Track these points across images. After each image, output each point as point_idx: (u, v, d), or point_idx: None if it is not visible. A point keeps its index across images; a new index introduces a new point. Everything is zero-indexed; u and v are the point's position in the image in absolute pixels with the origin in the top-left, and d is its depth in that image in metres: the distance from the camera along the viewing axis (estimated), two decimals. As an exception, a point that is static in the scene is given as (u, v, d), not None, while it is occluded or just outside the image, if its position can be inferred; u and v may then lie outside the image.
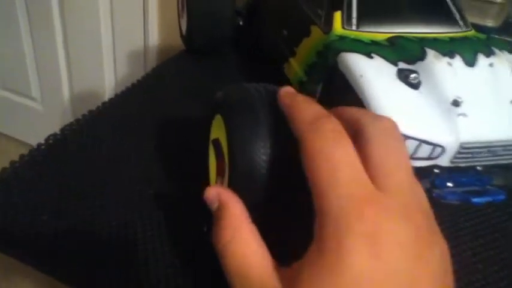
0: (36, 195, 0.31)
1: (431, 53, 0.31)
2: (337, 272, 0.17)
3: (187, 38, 0.51)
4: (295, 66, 0.40)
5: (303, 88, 0.39)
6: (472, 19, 0.37)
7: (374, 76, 0.29)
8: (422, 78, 0.29)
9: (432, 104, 0.28)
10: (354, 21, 0.35)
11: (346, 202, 0.18)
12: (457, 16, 0.36)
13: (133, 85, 0.46)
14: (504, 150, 0.29)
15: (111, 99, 0.44)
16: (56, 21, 1.35)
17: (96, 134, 0.38)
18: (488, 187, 0.30)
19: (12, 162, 0.34)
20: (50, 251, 0.27)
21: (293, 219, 0.23)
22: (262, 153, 0.22)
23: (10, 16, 1.41)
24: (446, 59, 0.30)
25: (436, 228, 0.19)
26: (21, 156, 0.35)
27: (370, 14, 0.35)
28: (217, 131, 0.27)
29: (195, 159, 0.30)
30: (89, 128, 0.40)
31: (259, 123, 0.23)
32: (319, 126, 0.20)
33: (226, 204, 0.22)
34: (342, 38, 0.34)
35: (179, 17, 0.54)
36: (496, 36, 0.44)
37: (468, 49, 0.32)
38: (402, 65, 0.30)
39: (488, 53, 0.32)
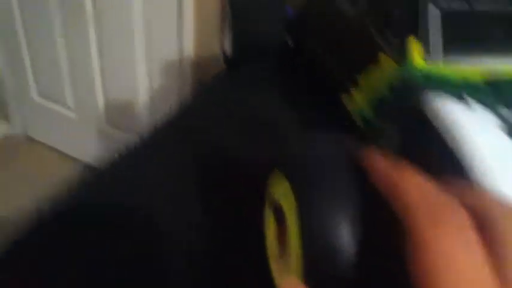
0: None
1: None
2: None
3: (231, 58, 0.46)
4: (358, 99, 0.35)
5: (368, 126, 0.33)
6: None
7: (473, 128, 0.23)
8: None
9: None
10: (437, 51, 0.29)
11: None
12: None
13: (172, 116, 0.41)
14: None
15: (151, 133, 0.39)
16: (91, 31, 1.33)
17: (132, 178, 0.34)
18: None
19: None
20: None
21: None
22: (346, 236, 0.17)
23: (46, 25, 1.40)
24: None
25: None
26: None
27: (457, 41, 0.29)
28: (278, 190, 0.22)
29: (247, 217, 0.25)
30: (126, 169, 0.35)
31: (343, 200, 0.17)
32: (442, 219, 0.15)
33: None
34: (425, 74, 0.28)
35: (221, 33, 0.49)
36: None
37: None
38: (503, 112, 0.24)
39: None
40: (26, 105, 1.64)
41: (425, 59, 0.29)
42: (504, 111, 0.24)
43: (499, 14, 0.30)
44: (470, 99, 0.25)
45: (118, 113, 1.45)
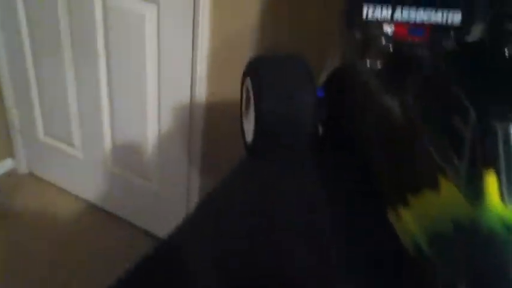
0: None
1: None
2: None
3: (253, 145, 0.40)
4: (409, 223, 0.29)
5: (424, 260, 0.27)
6: None
7: None
8: None
9: None
10: (522, 191, 0.23)
11: None
12: None
13: (189, 221, 0.35)
14: None
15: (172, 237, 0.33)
16: (102, 71, 1.29)
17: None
18: None
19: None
20: None
21: None
22: None
23: (56, 65, 1.37)
24: None
25: None
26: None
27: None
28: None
29: None
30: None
31: None
32: None
33: None
34: (506, 223, 0.22)
35: (241, 116, 0.43)
36: None
37: None
38: None
39: None
40: (32, 143, 1.61)
41: (505, 201, 0.23)
42: None
43: None
44: None
45: (125, 154, 1.40)
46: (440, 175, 0.26)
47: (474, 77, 0.28)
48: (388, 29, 0.43)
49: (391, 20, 0.43)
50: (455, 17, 0.44)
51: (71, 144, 1.53)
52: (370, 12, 0.42)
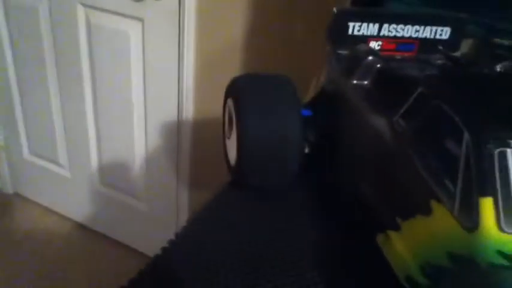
0: None
1: None
2: None
3: (235, 169, 0.38)
4: (400, 250, 0.27)
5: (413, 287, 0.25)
6: None
7: None
8: None
9: None
10: (520, 218, 0.21)
11: None
12: None
13: (173, 243, 0.33)
14: None
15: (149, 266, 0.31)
16: (87, 90, 1.28)
17: None
18: None
19: None
20: None
21: None
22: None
23: (41, 82, 1.36)
24: None
25: None
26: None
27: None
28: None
29: None
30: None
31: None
32: None
33: None
34: (509, 259, 0.20)
35: (224, 136, 0.41)
36: None
37: None
38: None
39: None
40: (17, 162, 1.58)
41: (502, 229, 0.21)
42: None
43: None
44: None
45: (112, 173, 1.38)
46: (433, 200, 0.24)
47: (468, 97, 0.27)
48: (376, 45, 0.42)
49: (378, 36, 0.42)
50: (444, 33, 0.43)
51: (57, 163, 1.51)
52: (356, 28, 0.41)
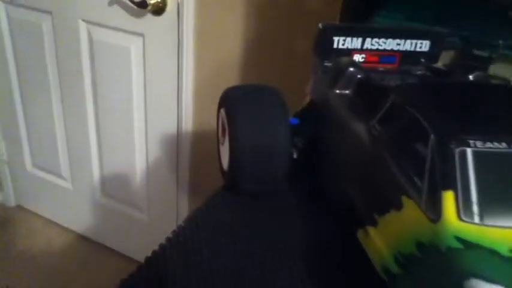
0: None
1: None
2: None
3: (228, 174, 0.41)
4: (377, 243, 0.30)
5: (391, 280, 0.28)
6: None
7: None
8: None
9: None
10: (476, 209, 0.24)
11: None
12: None
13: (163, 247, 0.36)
14: None
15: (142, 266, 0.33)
16: (89, 103, 1.31)
17: None
18: None
19: None
20: None
21: None
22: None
23: (43, 96, 1.39)
24: None
25: None
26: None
27: (499, 197, 0.24)
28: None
29: None
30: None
31: None
32: None
33: None
34: (465, 243, 0.23)
35: (218, 142, 0.44)
36: None
37: None
38: None
39: None
40: (20, 175, 1.61)
41: (461, 219, 0.24)
42: None
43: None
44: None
45: (114, 184, 1.41)
46: (404, 196, 0.27)
47: (435, 103, 0.30)
48: (360, 57, 0.45)
49: (362, 49, 0.45)
50: (423, 45, 0.46)
51: (60, 176, 1.53)
52: (340, 42, 0.44)
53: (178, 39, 1.08)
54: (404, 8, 0.60)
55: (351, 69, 0.38)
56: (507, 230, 0.23)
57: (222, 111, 0.41)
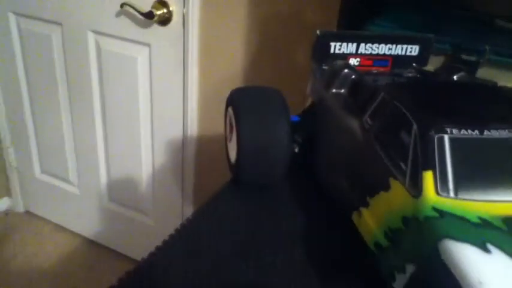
0: None
1: None
2: None
3: (235, 167, 0.45)
4: (369, 222, 0.34)
5: (382, 253, 0.32)
6: None
7: (498, 284, 0.22)
8: None
9: None
10: (451, 185, 0.28)
11: None
12: None
13: (173, 236, 0.39)
14: None
15: (152, 255, 0.37)
16: (96, 110, 1.35)
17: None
18: None
19: None
20: None
21: None
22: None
23: (52, 103, 1.43)
24: None
25: None
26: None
27: (471, 176, 0.28)
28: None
29: None
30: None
31: None
32: None
33: None
34: (440, 213, 0.27)
35: (226, 139, 0.48)
36: None
37: None
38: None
39: None
40: (29, 181, 1.65)
41: (438, 193, 0.28)
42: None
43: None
44: (492, 247, 0.24)
45: (121, 190, 1.45)
46: (391, 178, 0.31)
47: (419, 99, 0.34)
48: (355, 61, 0.50)
49: (356, 53, 0.49)
50: (413, 50, 0.51)
51: (68, 181, 1.57)
52: (337, 47, 0.48)
53: (184, 48, 1.13)
54: (396, 16, 0.65)
55: (346, 70, 0.43)
56: (476, 203, 0.27)
57: (230, 110, 0.45)
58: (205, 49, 1.13)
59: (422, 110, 0.32)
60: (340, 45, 0.48)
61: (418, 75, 0.49)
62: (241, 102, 0.44)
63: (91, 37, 1.26)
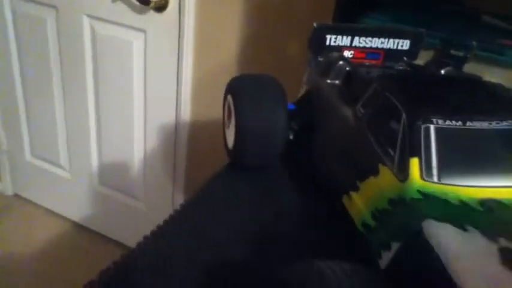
0: None
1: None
2: None
3: (233, 152, 0.47)
4: (359, 204, 0.36)
5: (369, 233, 0.34)
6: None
7: (473, 260, 0.24)
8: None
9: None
10: (435, 171, 0.31)
11: None
12: None
13: (167, 222, 0.41)
14: None
15: (147, 238, 0.39)
16: (90, 94, 1.36)
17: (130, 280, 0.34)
18: None
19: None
20: None
21: None
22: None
23: (44, 87, 1.43)
24: None
25: None
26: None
27: (453, 163, 0.31)
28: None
29: None
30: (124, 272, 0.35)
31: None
32: None
33: None
34: (424, 195, 0.29)
35: (224, 126, 0.50)
36: None
37: None
38: (505, 243, 0.25)
39: None
40: (19, 165, 1.65)
41: (423, 178, 0.30)
42: (502, 241, 0.25)
43: (495, 132, 0.32)
44: (470, 227, 0.26)
45: (112, 174, 1.46)
46: (380, 164, 0.33)
47: (411, 91, 0.36)
48: (349, 53, 0.52)
49: (351, 46, 0.51)
50: (404, 44, 0.53)
51: (58, 165, 1.57)
52: (332, 40, 0.50)
53: (179, 35, 1.14)
54: (389, 11, 0.67)
55: (340, 62, 0.45)
56: (457, 187, 0.30)
57: (229, 97, 0.47)
58: (201, 36, 1.15)
59: (411, 101, 0.35)
60: (336, 38, 0.50)
61: (408, 69, 0.51)
62: (240, 90, 0.46)
63: (86, 21, 1.26)
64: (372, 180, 0.35)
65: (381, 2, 0.69)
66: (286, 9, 1.02)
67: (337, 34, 0.50)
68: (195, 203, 0.44)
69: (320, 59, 0.49)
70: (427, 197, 0.29)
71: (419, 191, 0.30)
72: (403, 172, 0.31)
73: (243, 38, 1.09)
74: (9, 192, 1.74)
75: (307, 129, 0.47)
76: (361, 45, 0.52)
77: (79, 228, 1.63)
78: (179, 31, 1.12)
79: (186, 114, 1.24)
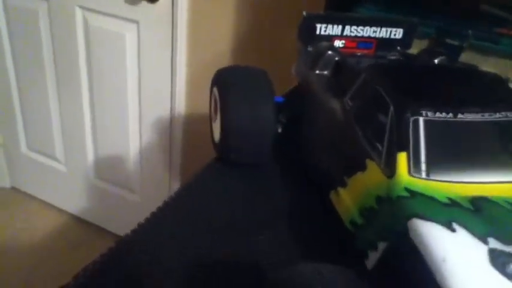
0: None
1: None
2: None
3: (220, 147, 0.46)
4: (346, 200, 0.35)
5: (356, 230, 0.33)
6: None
7: (460, 262, 0.23)
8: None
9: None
10: (424, 167, 0.29)
11: None
12: None
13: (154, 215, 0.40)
14: None
15: (136, 230, 0.38)
16: (84, 87, 1.35)
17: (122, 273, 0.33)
18: None
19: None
20: None
21: None
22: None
23: (39, 79, 1.42)
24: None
25: None
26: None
27: (443, 157, 0.29)
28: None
29: None
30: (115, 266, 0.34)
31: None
32: None
33: None
34: (412, 193, 0.28)
35: (210, 119, 0.49)
36: None
37: None
38: (494, 244, 0.24)
39: None
40: (15, 157, 1.64)
41: (411, 174, 0.29)
42: (492, 241, 0.24)
43: (488, 125, 0.31)
44: (458, 227, 0.25)
45: (108, 167, 1.45)
46: (368, 159, 0.32)
47: (400, 82, 0.35)
48: (340, 43, 0.50)
49: (342, 35, 0.50)
50: (397, 33, 0.51)
51: (54, 158, 1.56)
52: (322, 29, 0.48)
53: (172, 26, 1.12)
54: (383, 0, 0.65)
55: (329, 52, 0.43)
56: (446, 184, 0.28)
57: (215, 89, 0.45)
58: (194, 28, 1.13)
59: (400, 92, 0.33)
60: (326, 27, 0.48)
61: (401, 58, 0.50)
62: (226, 82, 0.44)
63: (79, 13, 1.24)
64: (359, 176, 0.33)
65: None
66: (280, 0, 1.00)
67: (327, 23, 0.49)
68: (182, 195, 0.43)
69: (310, 49, 0.48)
70: (414, 195, 0.28)
71: (406, 189, 0.28)
72: (390, 167, 0.30)
73: (237, 29, 1.07)
74: (6, 185, 1.73)
75: (296, 121, 0.46)
76: (352, 34, 0.50)
77: (76, 220, 1.63)
78: (172, 22, 1.10)
79: (180, 106, 1.23)
